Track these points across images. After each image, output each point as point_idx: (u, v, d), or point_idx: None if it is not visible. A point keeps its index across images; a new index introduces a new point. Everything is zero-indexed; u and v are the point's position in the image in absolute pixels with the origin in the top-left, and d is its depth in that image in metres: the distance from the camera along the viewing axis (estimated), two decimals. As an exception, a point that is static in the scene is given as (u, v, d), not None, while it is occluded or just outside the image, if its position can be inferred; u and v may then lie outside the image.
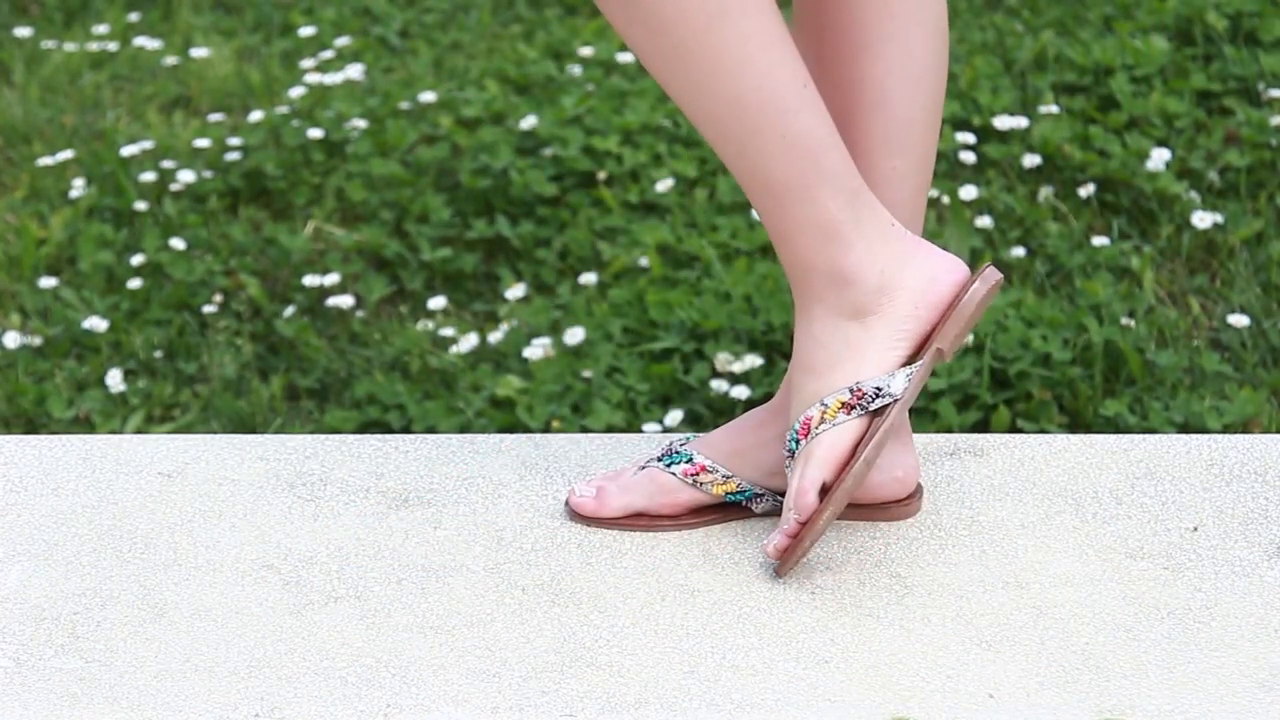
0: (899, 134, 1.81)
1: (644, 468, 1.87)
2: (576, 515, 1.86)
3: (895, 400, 1.73)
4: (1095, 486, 1.92)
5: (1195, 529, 1.84)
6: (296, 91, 3.23)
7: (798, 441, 1.75)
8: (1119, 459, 1.96)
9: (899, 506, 1.86)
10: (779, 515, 1.86)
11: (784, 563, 1.76)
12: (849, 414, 1.73)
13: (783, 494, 1.85)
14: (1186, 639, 1.69)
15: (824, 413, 1.73)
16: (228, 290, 2.80)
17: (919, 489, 1.88)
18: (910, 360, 1.75)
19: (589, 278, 2.73)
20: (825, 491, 1.74)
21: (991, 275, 1.76)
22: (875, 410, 1.73)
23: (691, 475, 1.85)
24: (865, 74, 1.80)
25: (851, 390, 1.73)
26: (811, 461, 1.74)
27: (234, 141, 3.08)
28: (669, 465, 1.85)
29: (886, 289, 1.73)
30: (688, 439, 1.88)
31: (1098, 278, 2.63)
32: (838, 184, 1.70)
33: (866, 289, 1.73)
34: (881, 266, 1.73)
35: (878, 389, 1.73)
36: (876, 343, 1.74)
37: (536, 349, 2.60)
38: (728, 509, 1.86)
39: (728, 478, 1.85)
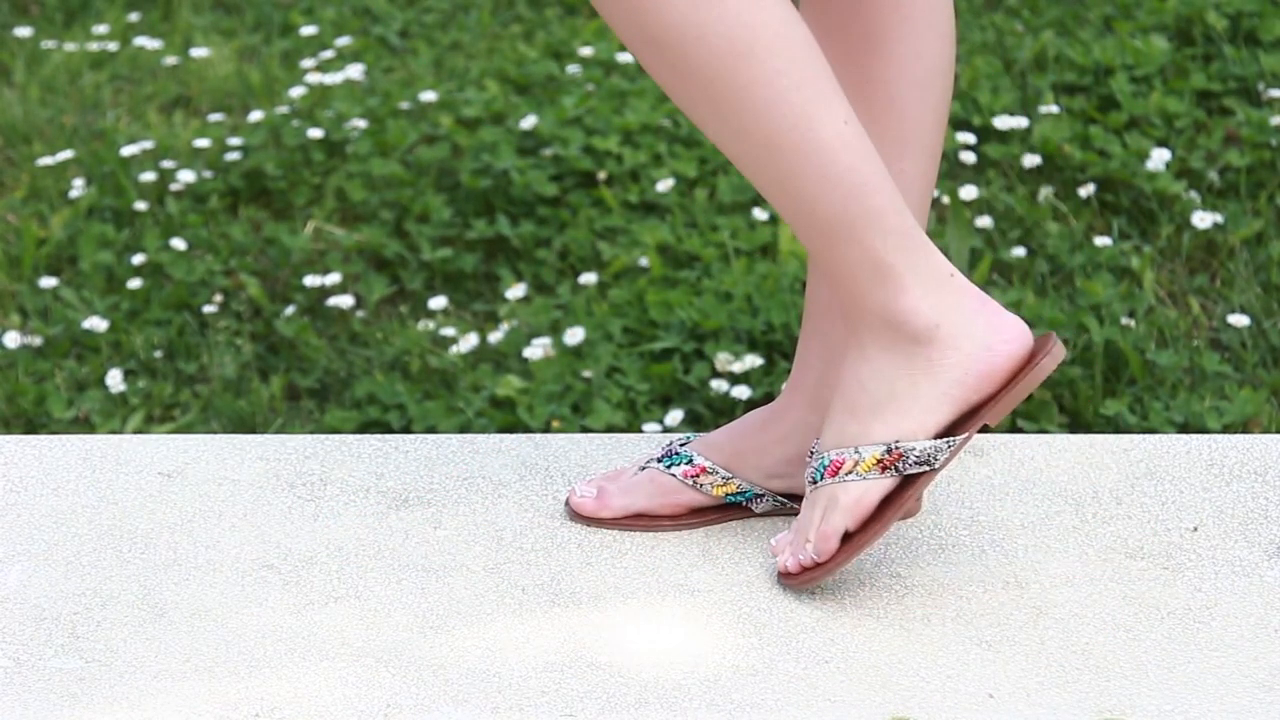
0: (909, 136, 1.79)
1: (644, 468, 1.86)
2: (577, 515, 1.86)
3: (931, 470, 1.71)
4: (1095, 486, 1.92)
5: (1195, 529, 1.84)
6: (296, 91, 3.23)
7: (822, 475, 1.73)
8: (1119, 459, 1.96)
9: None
10: (779, 515, 1.86)
11: (789, 583, 1.76)
12: (882, 473, 1.71)
13: (783, 495, 1.85)
14: (1186, 639, 1.69)
15: (857, 463, 1.71)
16: (228, 290, 2.80)
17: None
18: (951, 426, 1.71)
19: (589, 278, 2.73)
20: (847, 537, 1.73)
21: (1058, 352, 1.71)
22: (909, 474, 1.72)
23: (692, 477, 1.85)
24: (875, 75, 1.78)
25: (889, 450, 1.70)
26: (837, 509, 1.72)
27: (234, 141, 3.08)
28: (669, 466, 1.85)
29: (939, 343, 1.69)
30: (688, 439, 1.88)
31: (1098, 278, 2.63)
32: (886, 224, 1.66)
33: (919, 338, 1.69)
34: (938, 319, 1.69)
35: (918, 458, 1.70)
36: (921, 401, 1.70)
37: (536, 349, 2.60)
38: (728, 509, 1.86)
39: (728, 479, 1.85)
